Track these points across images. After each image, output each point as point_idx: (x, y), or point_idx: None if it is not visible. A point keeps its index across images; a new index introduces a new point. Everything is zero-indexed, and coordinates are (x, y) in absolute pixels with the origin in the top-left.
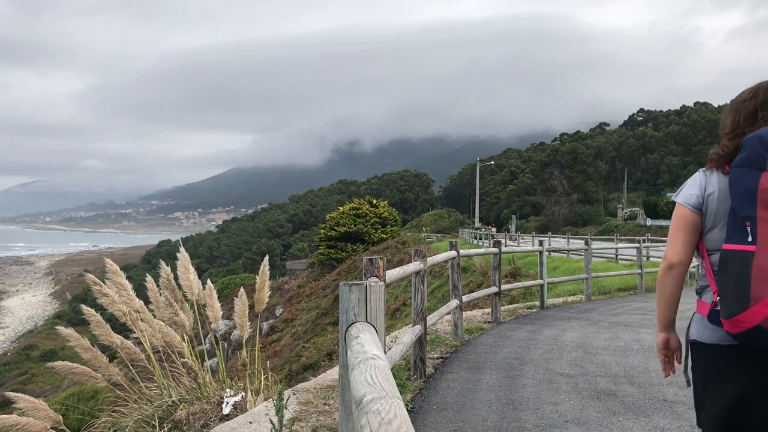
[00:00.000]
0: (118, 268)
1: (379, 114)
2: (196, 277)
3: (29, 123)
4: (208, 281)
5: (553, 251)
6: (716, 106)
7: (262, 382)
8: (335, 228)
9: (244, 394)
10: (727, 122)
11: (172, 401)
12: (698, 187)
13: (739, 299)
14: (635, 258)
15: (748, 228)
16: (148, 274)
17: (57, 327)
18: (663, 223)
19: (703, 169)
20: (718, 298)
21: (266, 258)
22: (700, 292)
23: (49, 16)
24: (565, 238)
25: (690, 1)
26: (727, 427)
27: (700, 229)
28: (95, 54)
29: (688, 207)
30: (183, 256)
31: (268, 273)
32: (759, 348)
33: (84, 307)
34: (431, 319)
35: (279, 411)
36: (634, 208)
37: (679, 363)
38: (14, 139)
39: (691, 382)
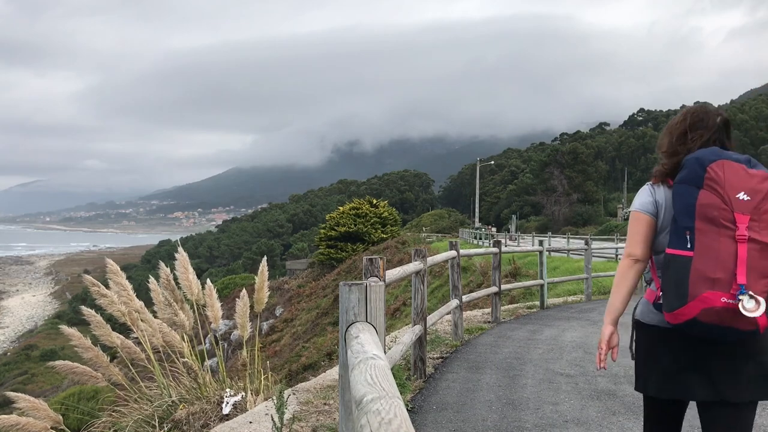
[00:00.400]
0: (119, 269)
1: (379, 114)
2: (195, 277)
3: (29, 123)
4: (208, 281)
5: (553, 251)
6: (716, 105)
7: (262, 382)
8: (335, 228)
9: (244, 394)
10: (663, 142)
11: (172, 401)
12: (652, 197)
13: (679, 296)
14: None
15: (688, 237)
16: (150, 275)
17: (60, 326)
18: None
19: (650, 183)
20: (661, 293)
21: (264, 258)
22: (648, 282)
23: (50, 16)
24: (565, 237)
25: (690, 0)
26: (659, 390)
27: (655, 232)
28: (95, 54)
29: (646, 213)
30: (182, 256)
31: (267, 273)
32: (692, 334)
33: (84, 308)
34: (431, 319)
35: (279, 410)
36: None
37: (614, 360)
38: (14, 139)
39: (633, 355)
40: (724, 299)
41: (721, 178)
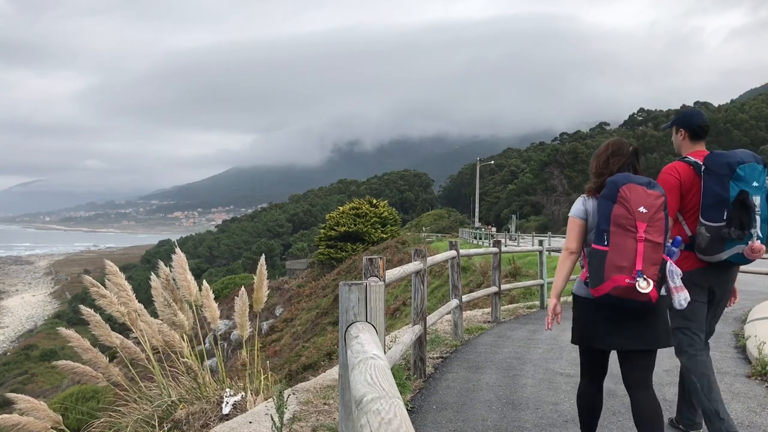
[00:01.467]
0: (118, 269)
1: (380, 114)
2: (193, 277)
3: (29, 123)
4: (204, 282)
5: (553, 251)
6: (716, 105)
7: (262, 382)
8: (335, 228)
9: (243, 393)
10: (592, 166)
11: (172, 401)
12: (583, 206)
13: (598, 277)
14: None
15: (605, 237)
16: (153, 274)
17: (58, 328)
18: None
19: (584, 195)
20: (588, 275)
21: (263, 257)
22: (582, 266)
23: (51, 16)
24: (565, 237)
25: (691, 0)
26: (588, 338)
27: (586, 231)
28: (96, 54)
29: (580, 218)
30: (179, 256)
31: (265, 272)
32: (607, 303)
33: (83, 308)
34: (431, 318)
35: (279, 409)
36: None
37: (558, 323)
38: (14, 139)
39: (572, 318)
40: (627, 280)
41: (628, 197)
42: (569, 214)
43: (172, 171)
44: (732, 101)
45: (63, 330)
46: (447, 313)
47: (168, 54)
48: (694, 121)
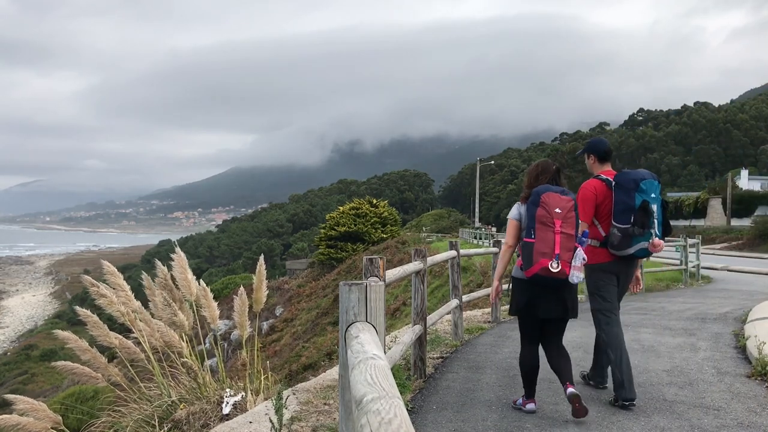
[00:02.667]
0: (116, 269)
1: (380, 113)
2: (193, 277)
3: (30, 123)
4: (201, 281)
5: None
6: (716, 105)
7: (262, 382)
8: (335, 228)
9: (244, 393)
10: (525, 180)
11: (172, 401)
12: (518, 211)
13: (529, 262)
14: None
15: (533, 232)
16: (144, 273)
17: (54, 330)
18: None
19: (518, 202)
20: (522, 261)
21: (262, 257)
22: (518, 256)
23: (52, 16)
24: None
25: (693, 0)
26: (524, 310)
27: (520, 230)
28: (97, 54)
29: (516, 220)
30: (179, 256)
31: (264, 272)
32: (536, 282)
33: (79, 309)
34: (431, 318)
35: (278, 410)
36: None
37: (499, 298)
38: (15, 139)
39: (511, 295)
40: (548, 262)
41: (547, 201)
42: (508, 217)
43: (172, 171)
44: (732, 101)
45: (59, 332)
46: (447, 313)
47: (168, 54)
48: (600, 147)
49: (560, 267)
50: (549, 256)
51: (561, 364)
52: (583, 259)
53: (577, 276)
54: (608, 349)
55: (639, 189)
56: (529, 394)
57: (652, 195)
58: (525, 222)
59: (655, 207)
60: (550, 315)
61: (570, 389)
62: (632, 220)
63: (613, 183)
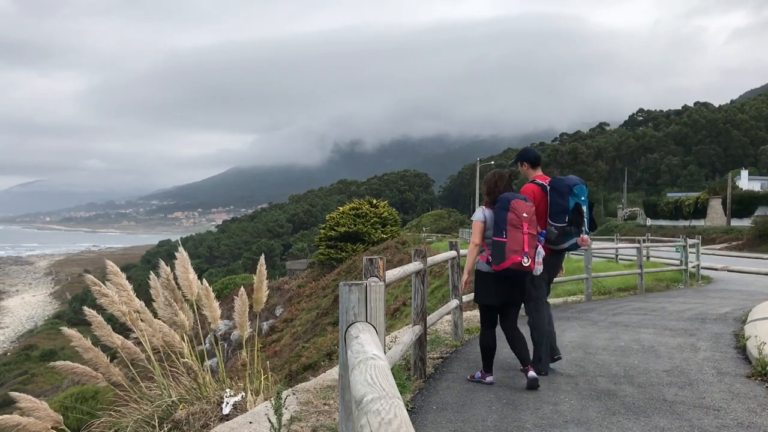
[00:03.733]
0: (119, 269)
1: (381, 113)
2: (195, 277)
3: (30, 123)
4: (203, 280)
5: None
6: (716, 105)
7: (262, 382)
8: (335, 228)
9: (244, 394)
10: (484, 189)
11: (172, 401)
12: (483, 214)
13: (501, 258)
14: (635, 258)
15: (504, 232)
16: (152, 272)
17: (61, 327)
18: (663, 223)
19: (482, 206)
20: (491, 257)
21: (262, 257)
22: (483, 252)
23: (55, 16)
24: None
25: (695, 0)
26: (488, 299)
27: (485, 230)
28: (98, 54)
29: (481, 222)
30: (182, 255)
31: (265, 273)
32: (503, 275)
33: (86, 309)
34: (431, 319)
35: (278, 411)
36: (634, 208)
37: (465, 287)
38: (15, 139)
39: (474, 288)
40: (519, 258)
41: (516, 207)
42: (474, 219)
43: (172, 171)
44: (732, 101)
45: (65, 329)
46: (447, 314)
47: (169, 54)
48: (530, 155)
49: (530, 261)
50: (519, 253)
51: (519, 347)
52: (543, 254)
53: (538, 269)
54: (534, 331)
55: (572, 193)
56: (488, 369)
57: (582, 198)
58: (490, 223)
59: (584, 208)
60: (509, 302)
61: (531, 373)
62: (567, 220)
63: (549, 187)
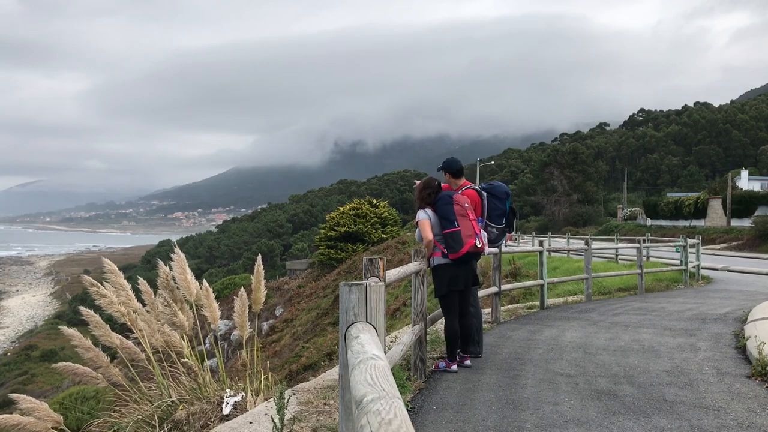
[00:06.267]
0: (117, 269)
1: (382, 114)
2: (193, 277)
3: (31, 123)
4: (204, 281)
5: (553, 251)
6: (717, 105)
7: (262, 383)
8: (335, 228)
9: (244, 394)
10: (416, 196)
11: (172, 401)
12: (426, 214)
13: (459, 245)
14: (635, 258)
15: (455, 222)
16: (140, 277)
17: (60, 327)
18: (663, 223)
19: (423, 209)
20: (445, 249)
21: (259, 257)
22: (436, 248)
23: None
24: (565, 238)
25: (698, 0)
26: (452, 286)
27: (431, 226)
28: (99, 54)
29: (428, 220)
30: (179, 256)
31: (262, 273)
32: (461, 260)
33: (83, 309)
34: (431, 318)
35: (280, 410)
36: (634, 208)
37: (428, 268)
38: (15, 139)
39: (436, 283)
40: (474, 242)
41: (458, 200)
42: (420, 219)
43: (172, 171)
44: (732, 101)
45: (65, 329)
46: None
47: (171, 54)
48: (453, 166)
49: (481, 243)
50: (473, 237)
51: (468, 330)
52: (487, 237)
53: (488, 250)
54: (475, 318)
55: (507, 198)
56: (453, 357)
57: (509, 202)
58: (435, 221)
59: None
60: (468, 285)
61: (467, 362)
62: (504, 222)
63: (486, 193)
